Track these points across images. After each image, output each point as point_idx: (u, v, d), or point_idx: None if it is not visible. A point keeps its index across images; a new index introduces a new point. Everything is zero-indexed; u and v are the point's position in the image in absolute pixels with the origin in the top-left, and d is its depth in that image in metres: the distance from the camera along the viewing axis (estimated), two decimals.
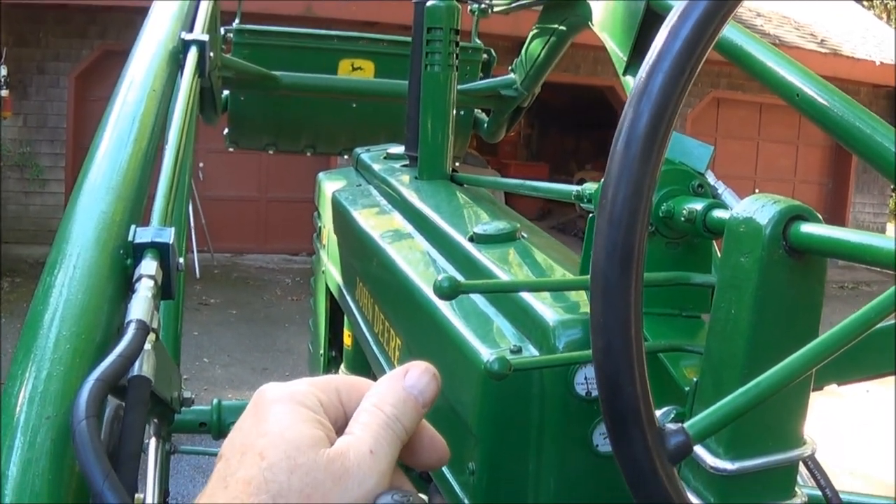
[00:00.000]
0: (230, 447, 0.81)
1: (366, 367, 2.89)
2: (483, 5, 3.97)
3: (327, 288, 3.48)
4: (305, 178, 5.61)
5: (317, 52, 4.53)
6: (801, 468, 1.34)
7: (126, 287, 1.33)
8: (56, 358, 1.12)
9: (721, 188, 1.70)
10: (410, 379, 0.86)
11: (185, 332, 3.60)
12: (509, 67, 4.14)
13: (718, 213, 1.42)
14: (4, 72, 14.68)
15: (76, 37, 15.91)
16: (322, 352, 3.68)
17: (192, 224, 14.22)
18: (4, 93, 14.80)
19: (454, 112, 2.99)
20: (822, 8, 22.11)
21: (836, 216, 21.42)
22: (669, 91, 0.88)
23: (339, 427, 0.84)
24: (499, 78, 4.23)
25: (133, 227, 1.40)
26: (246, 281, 15.48)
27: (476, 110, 4.76)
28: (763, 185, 20.89)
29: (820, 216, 1.14)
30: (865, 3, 27.59)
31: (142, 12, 2.41)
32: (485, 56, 4.67)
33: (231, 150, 4.94)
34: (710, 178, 1.65)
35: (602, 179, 1.42)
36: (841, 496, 1.45)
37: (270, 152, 4.86)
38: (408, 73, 3.26)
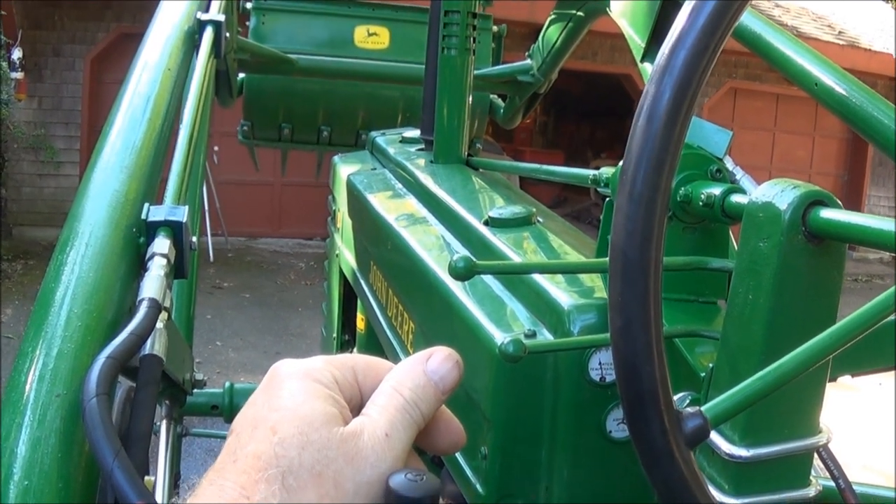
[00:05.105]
0: (242, 421, 0.80)
1: (379, 350, 2.89)
2: None
3: (341, 271, 3.48)
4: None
5: (332, 18, 4.61)
6: (815, 459, 1.33)
7: (139, 265, 1.33)
8: (67, 336, 1.11)
9: (739, 174, 1.68)
10: (432, 364, 0.85)
11: (199, 315, 3.60)
12: (526, 53, 4.12)
13: (737, 198, 1.41)
14: (20, 54, 14.75)
15: (92, 19, 15.94)
16: (335, 335, 3.68)
17: (206, 208, 14.24)
18: (20, 75, 14.88)
19: (470, 96, 2.98)
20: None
21: (852, 208, 21.14)
22: (692, 67, 0.87)
23: (354, 406, 0.83)
24: (516, 63, 4.21)
25: (146, 205, 1.39)
26: (260, 265, 15.51)
27: (492, 96, 4.77)
28: (779, 175, 20.53)
29: (839, 202, 1.13)
30: None
31: None
32: (495, 28, 4.70)
33: (244, 142, 4.95)
34: (729, 164, 1.63)
35: (619, 163, 1.41)
36: (854, 487, 1.44)
37: (285, 133, 4.85)
38: (422, 41, 3.26)
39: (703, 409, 0.97)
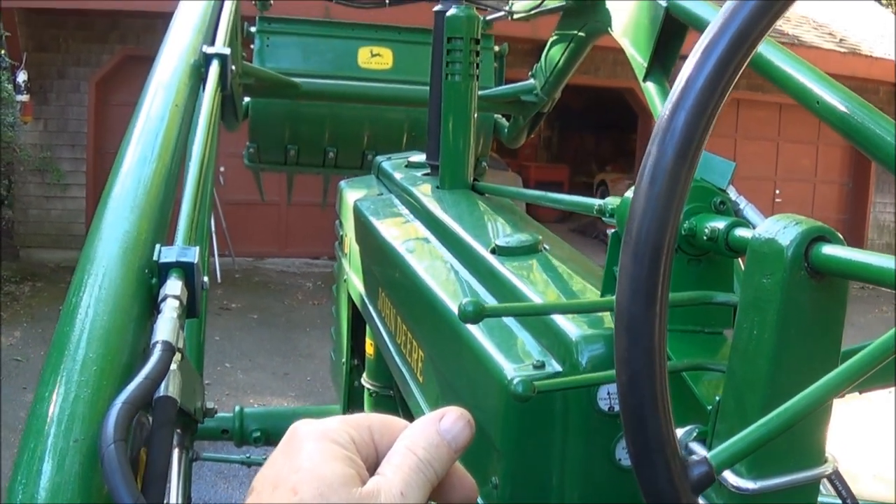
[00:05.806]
0: (262, 481, 0.82)
1: (388, 376, 2.90)
2: (503, 12, 3.98)
3: (349, 296, 3.49)
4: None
5: (336, 40, 4.65)
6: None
7: (151, 307, 1.34)
8: (83, 381, 1.12)
9: (742, 203, 1.69)
10: (445, 424, 0.87)
11: (207, 337, 3.61)
12: (529, 73, 4.14)
13: (740, 232, 1.41)
14: (25, 77, 14.79)
15: (96, 42, 15.99)
16: (344, 360, 3.68)
17: (213, 228, 14.22)
18: (25, 98, 14.91)
19: (475, 119, 2.99)
20: (840, 7, 22.02)
21: (857, 216, 21.35)
22: (693, 128, 0.88)
23: (371, 465, 0.84)
24: (519, 83, 4.23)
25: (158, 246, 1.40)
26: (267, 285, 15.49)
27: (496, 116, 4.79)
28: (783, 185, 20.84)
29: (842, 237, 1.13)
30: (884, 2, 27.44)
31: (162, 17, 2.41)
32: (496, 48, 4.72)
33: (250, 166, 4.98)
34: (732, 194, 1.64)
35: (626, 193, 1.42)
36: None
37: (291, 155, 4.87)
38: (425, 61, 3.29)
39: (708, 456, 0.99)
